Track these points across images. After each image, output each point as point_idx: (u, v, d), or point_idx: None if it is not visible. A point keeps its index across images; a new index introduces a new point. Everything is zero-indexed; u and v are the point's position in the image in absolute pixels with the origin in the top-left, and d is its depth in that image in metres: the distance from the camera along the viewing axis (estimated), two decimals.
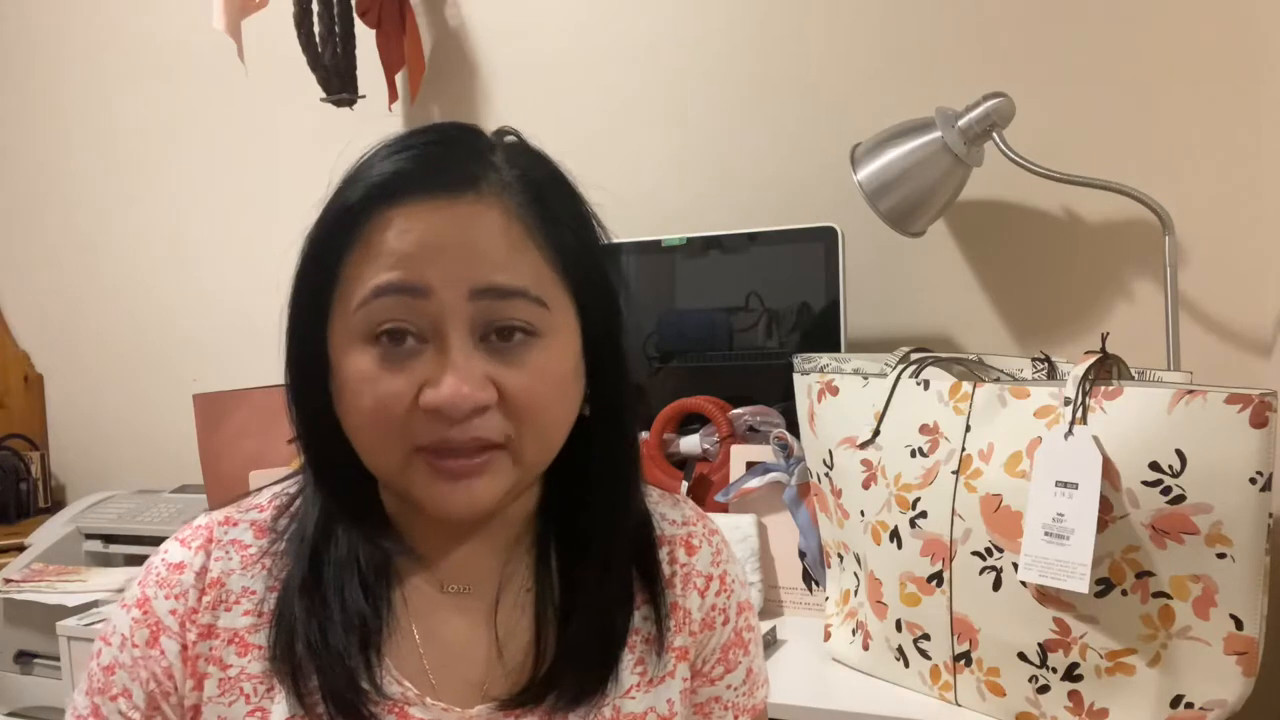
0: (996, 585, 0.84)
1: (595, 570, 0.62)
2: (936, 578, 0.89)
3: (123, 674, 0.59)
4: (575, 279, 0.59)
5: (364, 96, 1.63)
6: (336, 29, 1.59)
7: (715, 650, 0.68)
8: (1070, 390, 0.80)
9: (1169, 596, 0.77)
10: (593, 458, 0.63)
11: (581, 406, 0.61)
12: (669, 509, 0.70)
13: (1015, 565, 0.81)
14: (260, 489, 0.66)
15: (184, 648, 0.59)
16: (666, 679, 0.65)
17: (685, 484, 1.28)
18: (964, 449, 0.87)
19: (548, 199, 0.58)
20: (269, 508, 0.64)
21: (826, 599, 1.06)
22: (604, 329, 0.61)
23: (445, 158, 0.57)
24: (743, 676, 0.69)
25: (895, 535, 0.92)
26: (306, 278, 0.58)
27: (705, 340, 1.38)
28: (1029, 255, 1.35)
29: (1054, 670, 0.82)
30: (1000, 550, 0.83)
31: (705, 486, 1.27)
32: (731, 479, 1.22)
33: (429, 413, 0.54)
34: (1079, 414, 0.79)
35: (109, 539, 1.67)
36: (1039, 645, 0.82)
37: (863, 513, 0.96)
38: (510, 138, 0.62)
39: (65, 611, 1.35)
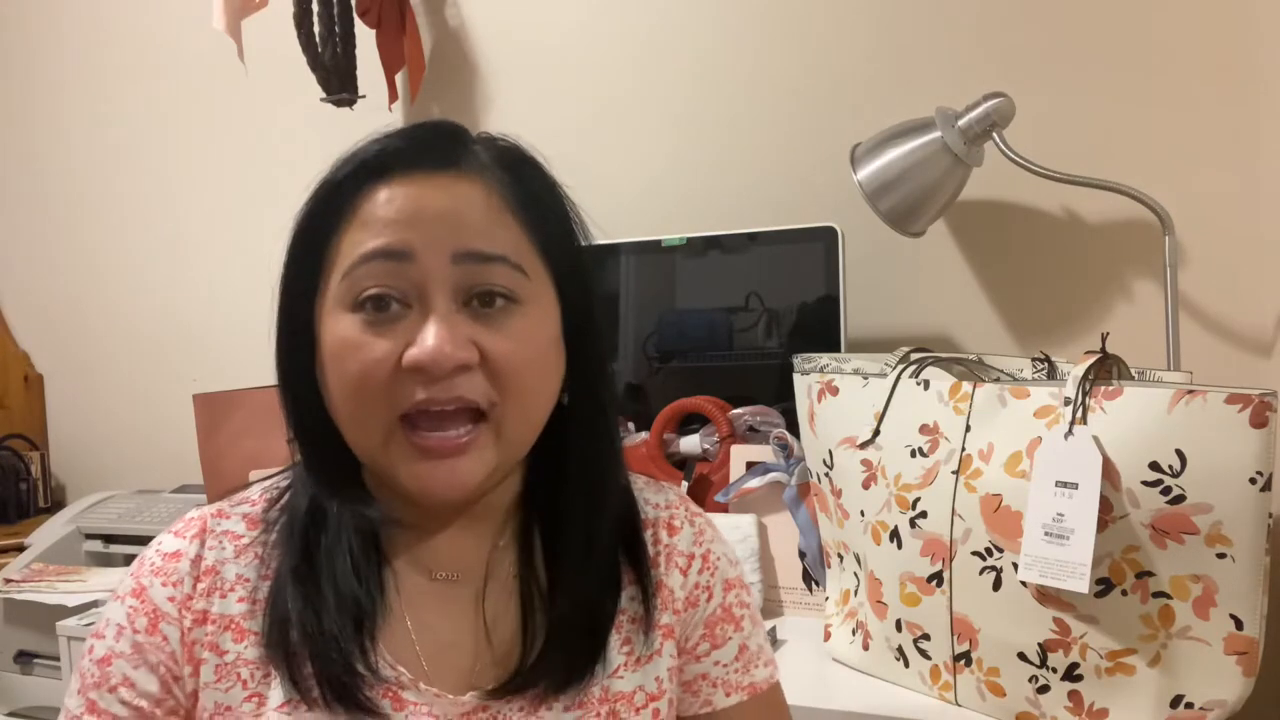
0: (996, 585, 0.84)
1: (579, 555, 0.63)
2: (936, 578, 0.89)
3: (122, 664, 0.59)
4: (552, 255, 0.61)
5: (364, 96, 1.63)
6: (336, 29, 1.59)
7: (698, 626, 0.68)
8: (1070, 390, 0.80)
9: (1169, 596, 0.77)
10: (571, 441, 0.64)
11: (561, 395, 0.63)
12: (652, 494, 0.71)
13: (1015, 565, 0.81)
14: (250, 484, 0.68)
15: (182, 634, 0.59)
16: (654, 657, 0.65)
17: (685, 484, 1.28)
18: (964, 449, 0.87)
19: (525, 180, 0.61)
20: (260, 501, 0.65)
21: (826, 599, 1.06)
22: (579, 311, 0.62)
23: (429, 140, 0.60)
24: (734, 653, 0.69)
25: (895, 535, 0.92)
26: (296, 254, 0.60)
27: (705, 340, 1.38)
28: (1029, 255, 1.35)
29: (1054, 670, 0.82)
30: (1000, 550, 0.83)
31: (705, 486, 1.27)
32: (731, 479, 1.22)
33: (412, 372, 0.55)
34: (1079, 414, 0.79)
35: (109, 539, 1.67)
36: (1039, 645, 0.82)
37: (863, 513, 0.96)
38: (499, 140, 0.64)
39: (65, 611, 1.35)
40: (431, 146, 0.60)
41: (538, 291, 0.60)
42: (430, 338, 0.55)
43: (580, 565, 0.63)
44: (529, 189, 0.61)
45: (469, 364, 0.56)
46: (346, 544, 0.60)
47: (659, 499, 0.71)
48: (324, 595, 0.58)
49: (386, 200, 0.57)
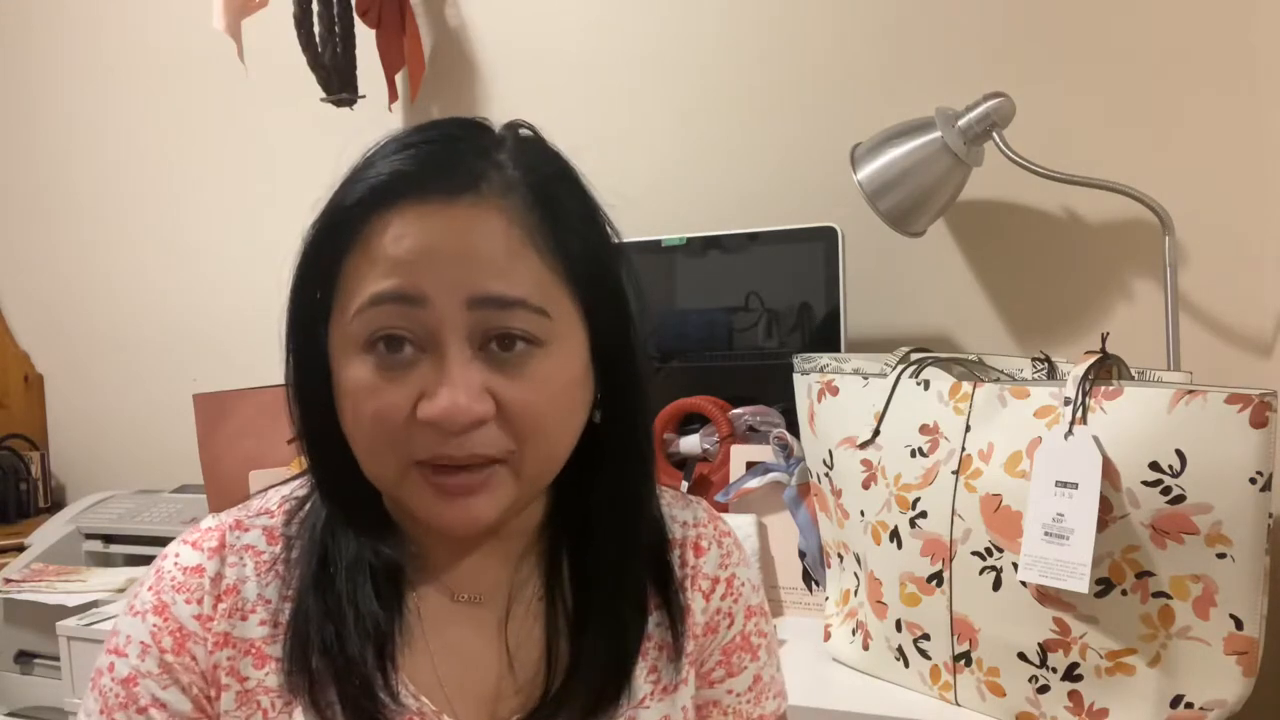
0: (996, 585, 0.84)
1: (608, 580, 0.61)
2: (936, 578, 0.89)
3: (150, 684, 0.57)
4: (581, 284, 0.57)
5: (364, 96, 1.63)
6: (336, 29, 1.59)
7: (715, 651, 0.67)
8: (1070, 390, 0.80)
9: (1169, 596, 0.77)
10: (604, 466, 0.61)
11: (592, 413, 0.60)
12: (680, 511, 0.68)
13: (1015, 565, 0.81)
14: (265, 490, 0.65)
15: (207, 653, 0.57)
16: (680, 686, 0.63)
17: (685, 484, 1.28)
18: (964, 449, 0.87)
19: (554, 201, 0.56)
20: (279, 512, 0.62)
21: (826, 599, 1.06)
22: (613, 334, 0.59)
23: (445, 157, 0.55)
24: (748, 683, 0.67)
25: (895, 535, 0.92)
26: (305, 280, 0.57)
27: (705, 340, 1.38)
28: (1029, 255, 1.35)
29: (1054, 670, 0.82)
30: (1000, 550, 0.83)
31: (705, 486, 1.27)
32: (731, 479, 1.22)
33: (426, 425, 0.52)
34: (1079, 414, 0.79)
35: (109, 539, 1.67)
36: (1039, 645, 0.82)
37: (863, 513, 0.96)
38: (524, 131, 0.60)
39: (65, 611, 1.35)
40: (447, 168, 0.54)
41: (561, 329, 0.55)
42: (444, 394, 0.52)
43: (610, 590, 0.61)
44: (558, 214, 0.56)
45: (484, 418, 0.53)
46: (367, 564, 0.58)
47: (686, 516, 0.68)
48: (345, 615, 0.56)
49: (397, 236, 0.53)
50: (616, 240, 0.60)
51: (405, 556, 0.60)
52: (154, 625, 0.57)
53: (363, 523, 0.59)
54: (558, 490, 0.63)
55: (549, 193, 0.56)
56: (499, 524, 0.58)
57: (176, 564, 0.59)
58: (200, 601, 0.58)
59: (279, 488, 0.65)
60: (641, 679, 0.62)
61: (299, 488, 0.63)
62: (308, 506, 0.62)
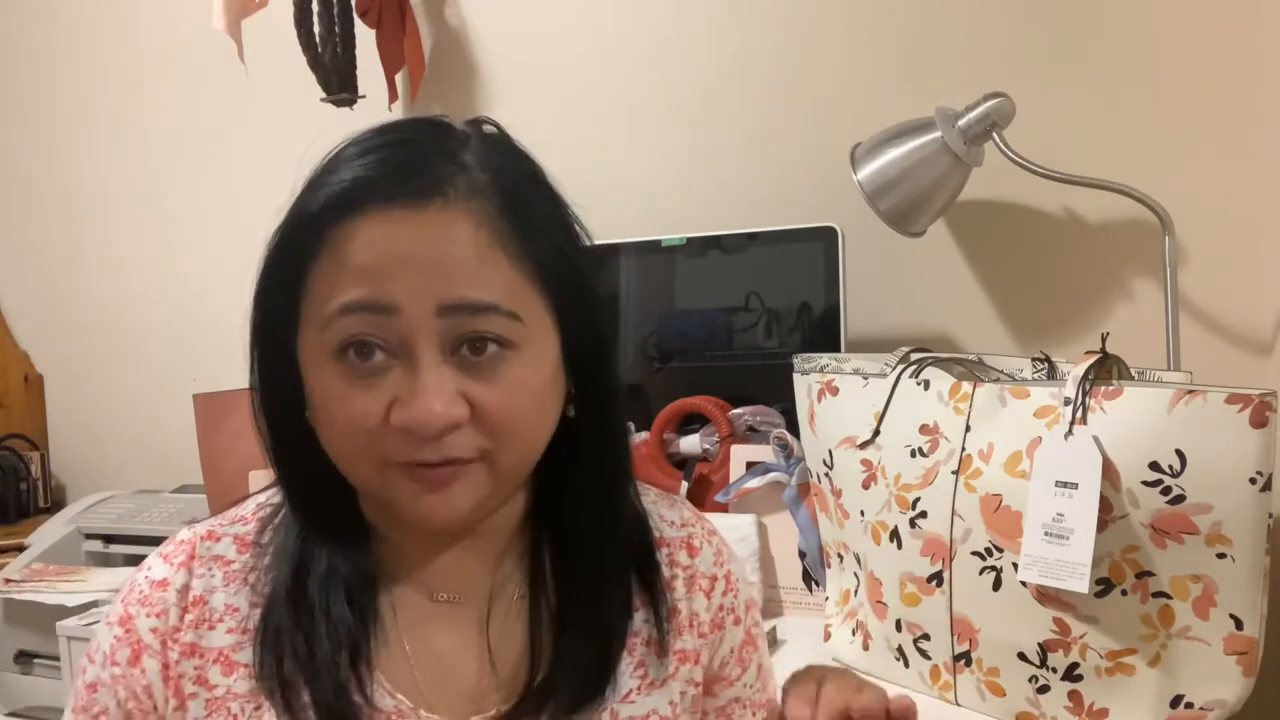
0: (996, 585, 0.84)
1: (591, 575, 0.61)
2: (936, 578, 0.89)
3: (104, 692, 0.58)
4: (551, 286, 0.57)
5: (364, 96, 1.63)
6: (336, 29, 1.59)
7: (731, 651, 0.67)
8: (1070, 390, 0.80)
9: (1169, 596, 0.77)
10: (579, 461, 0.62)
11: (565, 408, 0.60)
12: (666, 509, 0.69)
13: (1015, 565, 0.81)
14: (245, 498, 0.65)
15: (165, 666, 0.58)
16: (668, 681, 0.64)
17: (685, 484, 1.28)
18: (964, 449, 0.87)
19: (522, 203, 0.56)
20: (253, 520, 0.62)
21: (826, 599, 1.06)
22: (585, 333, 0.59)
23: (409, 161, 0.54)
24: (755, 673, 0.70)
25: (895, 535, 0.92)
26: (271, 288, 0.56)
27: (705, 340, 1.38)
28: (1029, 255, 1.35)
29: (1054, 670, 0.82)
30: (1000, 550, 0.83)
31: (705, 486, 1.27)
32: (731, 479, 1.22)
33: (400, 431, 0.53)
34: (1079, 414, 0.79)
35: (109, 539, 1.67)
36: (1039, 645, 0.82)
37: (863, 513, 0.96)
38: (487, 127, 0.59)
39: (65, 611, 1.35)
40: (412, 173, 0.53)
41: (533, 331, 0.55)
42: (417, 400, 0.52)
43: (593, 585, 0.61)
44: (526, 217, 0.55)
45: (459, 423, 0.53)
46: (340, 571, 0.58)
47: (674, 516, 0.68)
48: (316, 624, 0.56)
49: (364, 244, 0.52)
50: (586, 240, 0.60)
51: (378, 560, 0.60)
52: (116, 636, 0.59)
53: (334, 529, 0.59)
54: (538, 486, 0.64)
55: (517, 195, 0.56)
56: (477, 520, 0.58)
57: (146, 577, 0.60)
58: (161, 615, 0.58)
59: (257, 495, 0.65)
60: (627, 674, 0.62)
61: (275, 495, 0.63)
62: (283, 513, 0.62)
